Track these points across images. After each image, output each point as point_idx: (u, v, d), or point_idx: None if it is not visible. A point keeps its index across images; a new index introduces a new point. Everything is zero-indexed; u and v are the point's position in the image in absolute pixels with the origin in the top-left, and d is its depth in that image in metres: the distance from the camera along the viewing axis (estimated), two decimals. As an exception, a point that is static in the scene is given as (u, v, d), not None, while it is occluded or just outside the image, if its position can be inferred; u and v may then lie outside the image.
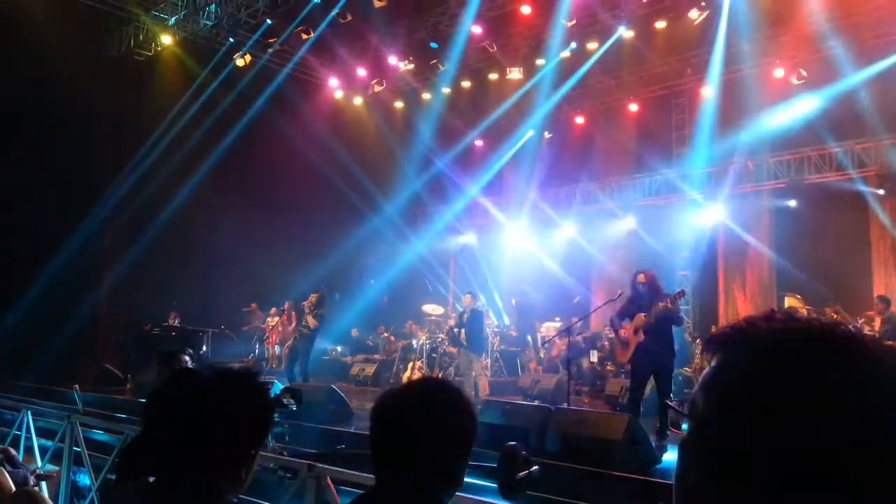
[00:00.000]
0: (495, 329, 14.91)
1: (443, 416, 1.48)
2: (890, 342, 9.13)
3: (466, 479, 1.58)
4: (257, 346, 15.58)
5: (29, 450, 6.12)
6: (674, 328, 7.56)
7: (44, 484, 4.79)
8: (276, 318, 15.02)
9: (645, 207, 16.69)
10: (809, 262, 13.55)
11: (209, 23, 15.79)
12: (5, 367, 11.02)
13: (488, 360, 12.91)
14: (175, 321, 13.97)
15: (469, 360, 10.99)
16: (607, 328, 12.05)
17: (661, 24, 14.76)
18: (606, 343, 12.89)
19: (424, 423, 1.47)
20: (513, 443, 2.77)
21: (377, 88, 18.54)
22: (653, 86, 16.97)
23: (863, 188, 13.70)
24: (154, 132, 15.00)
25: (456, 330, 11.21)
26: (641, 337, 7.18)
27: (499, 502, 3.48)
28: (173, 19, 15.45)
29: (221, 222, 14.92)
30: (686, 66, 16.13)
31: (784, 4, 13.56)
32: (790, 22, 14.13)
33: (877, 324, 9.84)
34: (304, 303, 11.45)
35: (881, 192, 13.50)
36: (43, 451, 6.05)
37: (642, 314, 7.27)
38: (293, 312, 13.65)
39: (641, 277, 7.57)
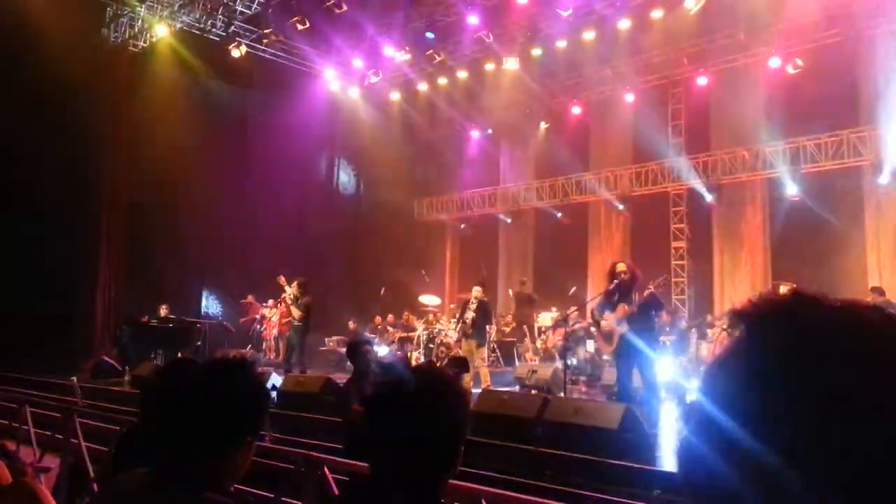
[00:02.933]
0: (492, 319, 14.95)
1: (437, 404, 1.49)
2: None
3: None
4: (254, 338, 15.59)
5: (27, 441, 6.13)
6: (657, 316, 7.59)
7: (42, 476, 4.80)
8: (274, 310, 15.03)
9: (641, 197, 16.72)
10: (805, 251, 13.61)
11: (204, 14, 15.72)
12: (4, 360, 11.03)
13: (494, 353, 13.01)
14: (167, 313, 13.95)
15: (471, 349, 11.05)
16: (587, 321, 12.04)
17: (657, 14, 14.74)
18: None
19: (418, 412, 1.48)
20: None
21: (373, 79, 18.49)
22: (649, 76, 16.94)
23: (858, 176, 13.75)
24: (149, 124, 14.93)
25: (468, 317, 11.24)
26: (625, 327, 7.19)
27: (494, 489, 3.50)
28: (168, 10, 15.37)
29: (217, 214, 14.90)
30: (682, 56, 16.11)
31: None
32: (786, 11, 14.14)
33: None
34: (288, 293, 11.45)
35: (881, 180, 13.52)
36: (41, 442, 6.06)
37: (624, 305, 7.27)
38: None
39: (622, 267, 7.56)
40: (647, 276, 7.84)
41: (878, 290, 10.23)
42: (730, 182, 15.43)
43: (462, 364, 4.24)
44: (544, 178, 18.54)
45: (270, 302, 15.22)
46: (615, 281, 7.43)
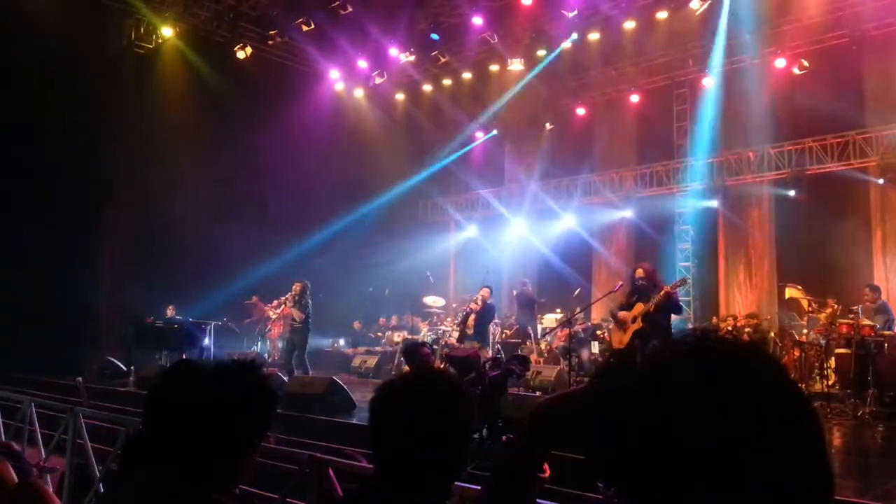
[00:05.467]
0: (496, 321, 14.91)
1: (441, 407, 1.49)
2: (889, 332, 9.08)
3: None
4: (259, 339, 15.60)
5: (32, 442, 6.14)
6: (672, 320, 7.62)
7: (47, 476, 4.81)
8: (279, 310, 15.02)
9: (645, 199, 16.67)
10: (810, 253, 13.56)
11: (210, 15, 15.75)
12: (8, 359, 11.06)
13: (499, 355, 12.99)
14: (173, 314, 13.98)
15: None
16: (607, 322, 12.09)
17: (662, 15, 14.71)
18: (606, 334, 12.90)
19: (423, 415, 1.48)
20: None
21: (378, 80, 18.50)
22: (654, 77, 16.91)
23: (863, 178, 13.73)
24: (154, 125, 14.96)
25: (470, 318, 11.22)
26: (639, 325, 7.25)
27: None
28: (174, 11, 15.40)
29: (222, 215, 14.90)
30: (687, 57, 16.07)
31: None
32: (792, 12, 14.12)
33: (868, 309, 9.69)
34: (289, 294, 11.50)
35: (881, 181, 13.51)
36: (46, 443, 6.07)
37: (641, 303, 7.34)
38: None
39: (640, 272, 7.64)
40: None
41: (874, 287, 10.21)
42: (735, 184, 15.38)
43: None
44: (549, 180, 18.52)
45: (275, 303, 15.22)
46: (638, 284, 7.56)
